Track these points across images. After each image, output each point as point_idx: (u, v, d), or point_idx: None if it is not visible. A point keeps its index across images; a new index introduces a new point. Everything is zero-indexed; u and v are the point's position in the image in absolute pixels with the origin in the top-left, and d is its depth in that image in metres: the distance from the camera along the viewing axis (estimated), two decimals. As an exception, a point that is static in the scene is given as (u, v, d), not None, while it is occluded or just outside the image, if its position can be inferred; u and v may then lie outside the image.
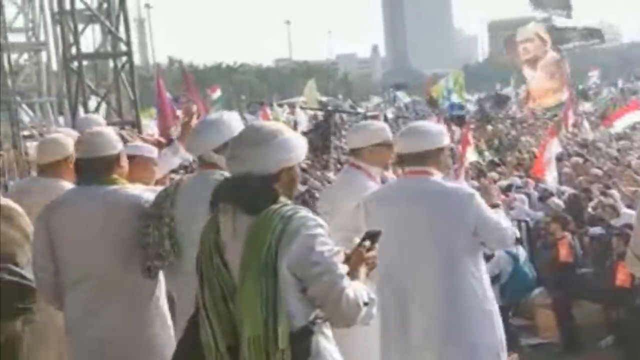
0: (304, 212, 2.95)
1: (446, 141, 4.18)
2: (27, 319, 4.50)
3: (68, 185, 4.85)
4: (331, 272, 2.88)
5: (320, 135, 14.98)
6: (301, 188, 9.15)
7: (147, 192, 4.29)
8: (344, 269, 2.92)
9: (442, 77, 34.79)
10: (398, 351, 4.11)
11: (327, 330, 3.00)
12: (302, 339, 2.89)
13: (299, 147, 3.05)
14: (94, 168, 4.14)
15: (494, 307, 4.01)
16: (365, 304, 2.89)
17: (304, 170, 10.44)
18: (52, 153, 4.98)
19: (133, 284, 4.16)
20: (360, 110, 37.07)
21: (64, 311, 4.24)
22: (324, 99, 48.39)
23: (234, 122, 3.96)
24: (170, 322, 4.25)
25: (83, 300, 4.15)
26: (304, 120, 21.28)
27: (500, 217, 4.08)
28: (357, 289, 2.89)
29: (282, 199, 2.95)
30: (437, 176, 4.07)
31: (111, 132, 4.36)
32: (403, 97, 42.73)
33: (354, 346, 3.83)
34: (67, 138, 5.43)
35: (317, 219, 2.97)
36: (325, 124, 16.25)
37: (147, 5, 66.76)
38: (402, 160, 4.16)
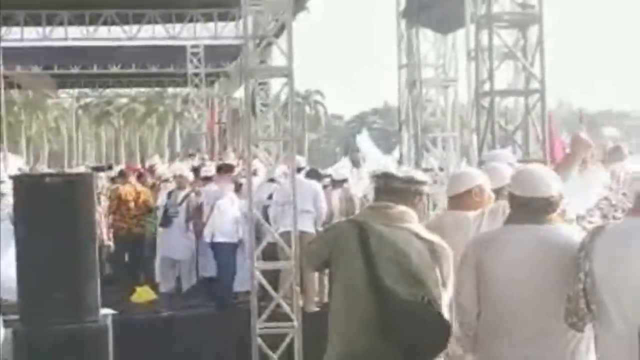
0: None
1: None
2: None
3: (471, 215, 4.75)
4: None
5: None
6: None
7: (580, 234, 4.00)
8: None
9: None
10: None
11: None
12: None
13: None
14: (531, 207, 3.96)
15: None
16: None
17: None
18: (459, 185, 4.96)
19: (561, 334, 3.89)
20: None
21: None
22: None
23: None
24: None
25: (510, 350, 3.96)
26: None
27: None
28: None
29: None
30: None
31: (552, 175, 4.16)
32: None
33: None
34: (474, 171, 5.38)
35: None
36: None
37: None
38: None
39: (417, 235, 4.19)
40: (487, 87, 8.65)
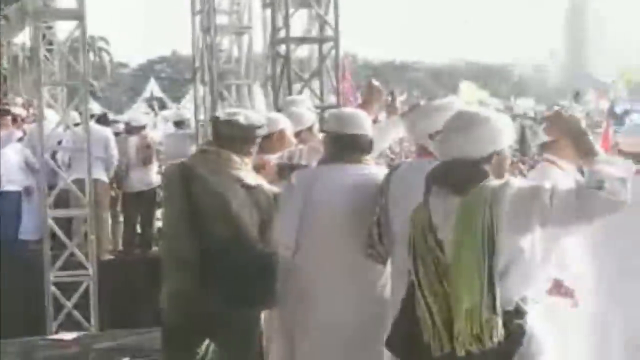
0: (512, 179, 3.12)
1: None
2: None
3: (272, 159, 4.90)
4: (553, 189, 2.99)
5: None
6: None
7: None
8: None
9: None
10: None
11: (542, 312, 3.10)
12: (517, 317, 2.97)
13: (508, 131, 3.18)
14: (347, 144, 4.15)
15: None
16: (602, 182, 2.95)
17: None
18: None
19: (368, 270, 4.10)
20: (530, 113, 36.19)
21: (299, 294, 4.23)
22: (495, 100, 47.35)
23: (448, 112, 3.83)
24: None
25: (322, 282, 4.13)
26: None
27: None
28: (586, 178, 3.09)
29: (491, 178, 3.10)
30: None
31: (366, 116, 4.35)
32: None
33: None
34: (276, 115, 5.55)
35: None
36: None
37: None
38: None
39: (239, 181, 4.24)
40: (282, 34, 8.76)
